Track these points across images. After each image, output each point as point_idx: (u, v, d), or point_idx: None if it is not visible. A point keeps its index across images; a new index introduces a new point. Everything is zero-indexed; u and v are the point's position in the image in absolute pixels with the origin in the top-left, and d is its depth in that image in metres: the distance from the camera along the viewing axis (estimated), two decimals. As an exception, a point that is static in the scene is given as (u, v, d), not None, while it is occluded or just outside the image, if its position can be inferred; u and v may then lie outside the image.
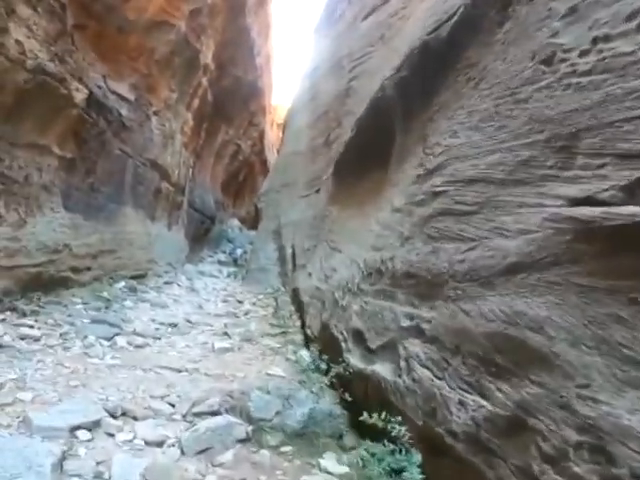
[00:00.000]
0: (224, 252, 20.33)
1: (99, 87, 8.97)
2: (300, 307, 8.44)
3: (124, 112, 10.22)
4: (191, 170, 15.91)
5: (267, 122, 26.81)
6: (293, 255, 11.72)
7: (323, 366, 4.72)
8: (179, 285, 11.42)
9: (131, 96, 10.65)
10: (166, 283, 11.49)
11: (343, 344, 4.37)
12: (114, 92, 9.90)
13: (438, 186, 3.28)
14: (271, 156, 30.45)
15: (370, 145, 6.73)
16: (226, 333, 7.09)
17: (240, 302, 9.99)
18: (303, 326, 7.72)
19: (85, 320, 6.98)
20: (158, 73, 11.77)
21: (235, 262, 18.40)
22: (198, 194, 17.27)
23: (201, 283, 12.43)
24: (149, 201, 12.23)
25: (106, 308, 8.03)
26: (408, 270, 3.32)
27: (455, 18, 3.98)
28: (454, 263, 2.69)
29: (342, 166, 8.59)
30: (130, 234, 10.76)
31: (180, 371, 5.24)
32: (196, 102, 14.32)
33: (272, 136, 29.29)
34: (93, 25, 9.55)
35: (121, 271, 10.36)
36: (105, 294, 8.91)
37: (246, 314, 8.74)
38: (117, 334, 6.46)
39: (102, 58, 9.83)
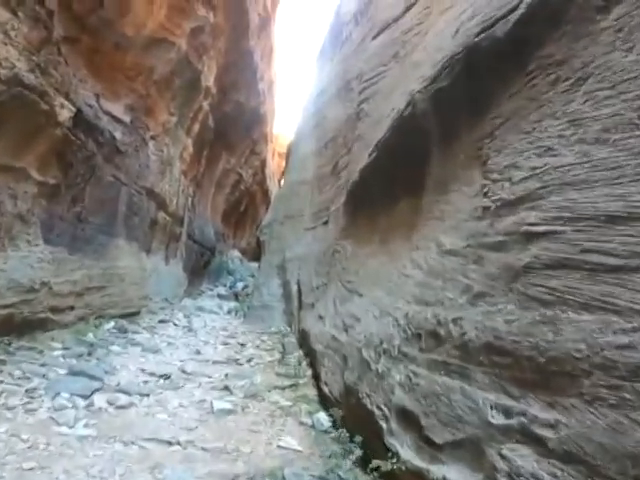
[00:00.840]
0: (224, 285, 19.28)
1: (89, 106, 8.14)
2: (311, 354, 7.37)
3: (118, 135, 9.37)
4: (190, 199, 15.03)
5: (269, 151, 26.17)
6: (299, 292, 10.72)
7: (354, 447, 3.65)
8: (175, 324, 10.33)
9: (126, 118, 9.83)
10: (161, 322, 10.42)
11: (383, 423, 3.31)
12: (107, 113, 9.07)
13: (536, 224, 2.29)
14: (272, 186, 29.77)
15: (394, 171, 5.85)
16: (227, 387, 5.99)
17: (242, 345, 8.90)
18: (316, 379, 6.65)
19: (61, 371, 5.91)
20: (157, 94, 11.00)
21: (236, 297, 17.32)
22: (198, 225, 16.34)
23: (199, 321, 11.34)
24: (144, 233, 11.27)
25: (89, 355, 6.96)
26: (492, 343, 2.31)
27: (520, 11, 3.09)
28: (602, 347, 1.69)
29: (356, 195, 7.73)
30: (122, 269, 9.75)
31: (171, 444, 4.18)
32: (196, 127, 13.56)
33: (273, 166, 28.63)
34: (87, 40, 8.81)
35: (111, 310, 9.31)
36: (90, 337, 7.88)
37: (249, 361, 7.64)
38: (97, 390, 5.40)
39: (96, 75, 9.05)
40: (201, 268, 17.52)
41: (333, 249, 8.62)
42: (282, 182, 15.96)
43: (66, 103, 7.13)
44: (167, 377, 6.29)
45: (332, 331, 6.38)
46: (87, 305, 8.47)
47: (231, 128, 17.41)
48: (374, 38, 10.11)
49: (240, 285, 17.96)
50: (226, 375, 6.59)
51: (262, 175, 24.98)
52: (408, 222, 5.17)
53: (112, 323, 8.90)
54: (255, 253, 30.38)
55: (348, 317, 5.86)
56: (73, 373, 5.86)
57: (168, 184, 12.16)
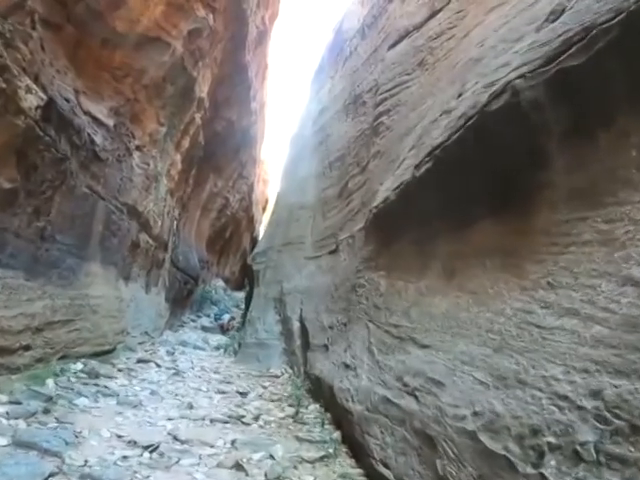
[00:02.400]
0: (208, 316, 17.25)
1: (66, 99, 6.42)
2: (339, 413, 5.62)
3: (98, 139, 7.63)
4: (176, 223, 13.21)
5: (256, 175, 24.62)
6: (304, 330, 8.99)
7: None
8: (158, 365, 8.37)
9: (109, 121, 8.13)
10: (141, 362, 8.44)
11: None
12: (87, 113, 7.36)
13: None
14: (257, 213, 28.11)
15: (465, 184, 4.34)
16: (239, 464, 4.18)
17: (242, 394, 7.03)
18: (352, 446, 4.91)
19: (1, 441, 4.05)
20: (145, 100, 9.37)
21: (222, 329, 15.35)
22: (182, 251, 14.46)
23: (186, 361, 9.39)
24: (123, 257, 9.39)
25: (45, 412, 5.06)
26: None
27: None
28: None
29: (388, 219, 6.21)
30: (95, 299, 7.83)
31: None
32: (186, 142, 11.90)
33: (258, 192, 27.04)
34: (71, 30, 7.26)
35: (79, 348, 7.34)
36: (50, 385, 5.95)
37: (257, 418, 5.81)
38: (52, 476, 3.58)
39: (78, 71, 7.44)
40: (184, 298, 15.51)
41: (354, 283, 7.05)
42: (275, 206, 14.29)
43: (34, 87, 5.43)
44: (154, 448, 4.43)
45: (379, 390, 4.68)
46: (48, 343, 6.52)
47: (220, 148, 15.81)
48: (391, 48, 8.95)
49: (226, 317, 16.00)
50: (233, 443, 4.77)
51: (249, 201, 23.30)
52: (501, 248, 3.69)
53: (80, 365, 6.96)
54: (238, 282, 28.38)
55: (410, 375, 4.18)
56: (19, 445, 4.05)
57: (153, 203, 10.37)
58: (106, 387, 6.35)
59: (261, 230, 30.87)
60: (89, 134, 7.31)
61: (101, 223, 8.20)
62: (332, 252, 9.27)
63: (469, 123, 4.13)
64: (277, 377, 8.63)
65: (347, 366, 6.00)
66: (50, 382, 6.02)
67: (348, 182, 9.54)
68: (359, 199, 8.63)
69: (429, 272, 4.87)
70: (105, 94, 8.33)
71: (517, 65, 3.63)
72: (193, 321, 16.21)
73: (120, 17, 8.02)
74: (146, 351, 9.79)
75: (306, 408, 6.50)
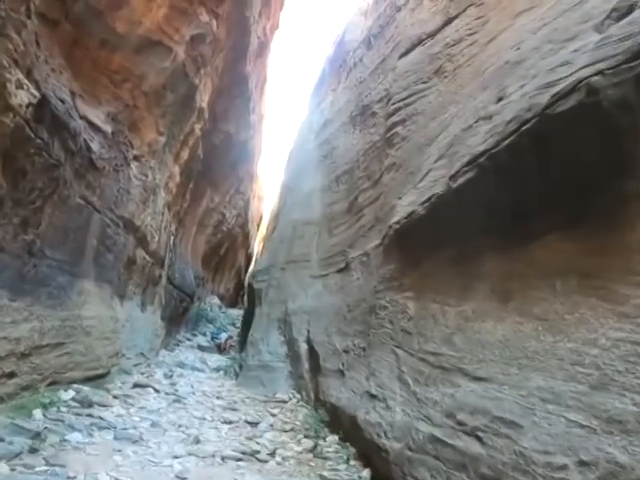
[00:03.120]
0: (204, 334, 16.36)
1: (61, 100, 5.74)
2: (370, 450, 4.90)
3: (94, 146, 6.95)
4: (172, 238, 12.46)
5: (252, 191, 23.94)
6: (313, 354, 8.28)
7: None
8: (156, 390, 7.57)
9: (107, 128, 7.46)
10: (137, 386, 7.63)
11: None
12: (84, 117, 6.70)
13: None
14: (253, 230, 27.39)
15: (519, 195, 3.88)
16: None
17: (253, 424, 6.28)
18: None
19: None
20: (145, 107, 8.72)
21: (219, 349, 14.49)
22: (178, 268, 13.68)
23: (185, 384, 8.58)
24: (119, 274, 8.62)
25: (32, 452, 4.35)
26: None
27: None
28: None
29: (414, 235, 5.65)
30: (88, 319, 7.05)
31: None
32: (185, 153, 11.23)
33: (253, 208, 26.34)
34: (68, 28, 6.65)
35: (70, 373, 6.56)
36: (37, 417, 5.22)
37: (273, 454, 5.08)
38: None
39: (74, 72, 6.79)
40: (179, 316, 14.67)
41: (373, 304, 6.41)
42: (275, 222, 13.60)
43: (26, 82, 4.78)
44: (159, 499, 3.71)
45: (423, 427, 4.02)
46: (35, 369, 5.74)
47: (218, 162, 15.15)
48: (402, 56, 8.52)
49: (224, 336, 15.14)
50: (251, 490, 4.05)
51: (245, 217, 22.57)
52: (576, 269, 3.19)
53: (71, 393, 6.16)
54: (233, 299, 27.48)
55: (466, 412, 3.55)
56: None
57: (150, 216, 9.65)
58: (101, 418, 5.57)
59: (256, 247, 30.11)
60: (85, 140, 6.63)
61: (96, 237, 7.46)
62: (341, 270, 8.62)
63: (524, 128, 3.61)
64: (284, 402, 7.87)
65: (373, 396, 5.31)
66: (38, 413, 5.28)
67: (358, 197, 8.95)
68: (372, 214, 8.04)
69: (474, 294, 4.26)
70: (102, 98, 7.67)
71: (588, 62, 3.13)
72: (189, 340, 15.32)
73: (121, 17, 7.41)
74: (142, 374, 8.97)
75: (324, 440, 5.78)
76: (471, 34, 6.64)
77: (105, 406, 6.06)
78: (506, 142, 3.85)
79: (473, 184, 4.35)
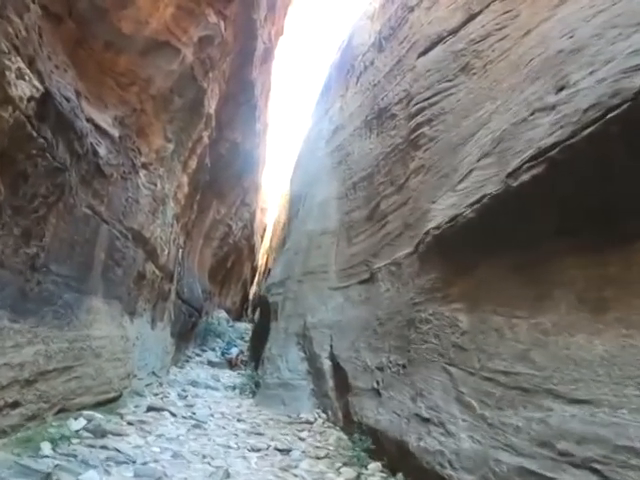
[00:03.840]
0: (213, 350, 15.60)
1: (66, 99, 5.09)
2: (424, 478, 4.18)
3: (102, 151, 6.31)
4: (181, 251, 11.77)
5: (257, 202, 23.30)
6: (337, 370, 7.58)
7: None
8: (172, 413, 6.83)
9: (114, 132, 6.81)
10: (152, 409, 6.88)
11: None
12: (90, 120, 6.05)
13: None
14: (257, 242, 26.73)
15: (608, 190, 3.35)
16: None
17: (283, 451, 5.54)
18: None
19: None
20: (152, 112, 8.10)
21: (230, 364, 13.73)
22: (187, 282, 12.97)
23: (202, 406, 7.83)
24: (129, 290, 7.92)
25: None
26: None
27: None
28: None
29: (464, 241, 5.09)
30: (98, 340, 6.34)
31: None
32: (194, 162, 10.60)
33: (257, 220, 25.68)
34: (72, 27, 6.08)
35: (80, 398, 5.84)
36: (45, 451, 4.53)
37: (315, 489, 4.36)
38: None
39: (79, 72, 6.17)
40: (188, 331, 13.92)
41: (411, 318, 5.78)
42: (287, 233, 12.92)
43: (28, 73, 4.14)
44: None
45: (506, 458, 3.39)
46: (41, 397, 5.03)
47: (224, 172, 14.53)
48: (421, 56, 8.02)
49: (235, 351, 14.38)
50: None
51: (250, 229, 21.90)
52: None
53: (82, 421, 5.43)
54: (239, 313, 26.70)
55: (569, 441, 2.95)
56: None
57: (160, 228, 8.97)
58: (118, 450, 4.83)
59: (260, 259, 29.42)
60: (91, 144, 5.98)
61: (104, 251, 6.77)
62: (365, 281, 7.96)
63: (611, 115, 3.01)
64: (310, 424, 7.15)
65: (425, 419, 4.61)
66: (46, 447, 4.59)
67: (380, 203, 8.32)
68: (399, 221, 7.42)
69: (552, 304, 3.62)
70: (109, 102, 7.05)
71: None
72: (198, 355, 14.55)
73: (127, 17, 6.81)
74: (155, 395, 8.23)
75: (366, 468, 5.07)
76: (500, 29, 6.24)
77: (120, 435, 5.32)
78: (587, 131, 3.27)
79: (541, 181, 3.73)
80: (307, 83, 68.25)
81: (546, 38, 4.85)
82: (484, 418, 3.76)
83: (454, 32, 7.21)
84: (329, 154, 11.51)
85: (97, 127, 6.40)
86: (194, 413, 7.10)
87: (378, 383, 6.12)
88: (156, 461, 4.75)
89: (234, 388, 10.00)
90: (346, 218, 9.44)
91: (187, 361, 13.30)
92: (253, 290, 29.35)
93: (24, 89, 4.03)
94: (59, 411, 5.40)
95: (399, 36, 9.81)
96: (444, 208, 5.77)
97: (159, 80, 7.99)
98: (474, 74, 6.30)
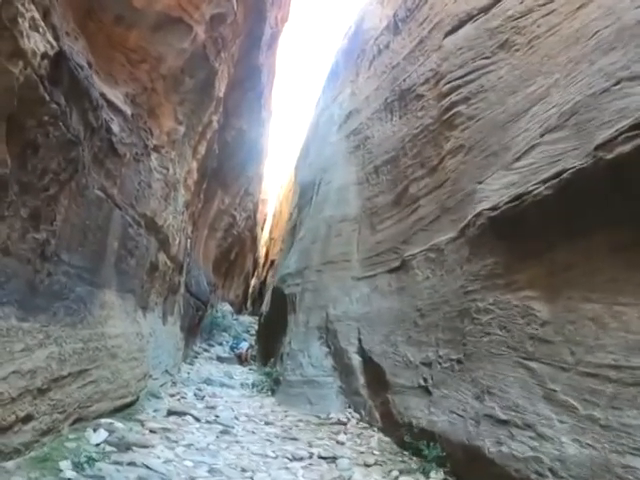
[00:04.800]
0: (220, 344, 14.83)
1: (80, 67, 4.27)
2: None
3: (115, 128, 5.49)
4: (189, 242, 10.95)
5: (261, 193, 22.42)
6: (370, 366, 6.89)
7: None
8: (195, 418, 6.07)
9: (127, 109, 6.00)
10: (173, 414, 6.11)
11: None
12: (102, 95, 5.23)
13: None
14: (259, 234, 25.91)
15: None
16: None
17: (328, 460, 4.83)
18: None
19: None
20: (163, 92, 7.30)
21: (239, 360, 12.98)
22: (194, 274, 12.16)
23: (224, 407, 7.09)
24: (142, 282, 7.12)
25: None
26: None
27: None
28: None
29: (533, 221, 4.43)
30: (113, 339, 5.56)
31: None
32: (203, 148, 9.77)
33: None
34: None
35: (96, 405, 5.07)
36: (67, 474, 3.77)
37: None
38: None
39: (89, 42, 5.36)
40: (196, 325, 13.12)
41: (464, 308, 5.12)
42: (302, 221, 12.14)
43: (43, 27, 3.37)
44: None
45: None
46: (56, 406, 4.26)
47: (229, 161, 13.70)
48: (449, 34, 7.55)
49: (244, 346, 13.63)
50: None
51: (254, 220, 21.06)
52: None
53: (103, 433, 4.65)
54: (241, 306, 25.89)
55: None
56: None
57: (172, 216, 8.16)
58: (147, 467, 4.07)
59: (262, 251, 28.56)
60: (104, 118, 5.16)
61: (116, 239, 5.97)
62: (394, 270, 7.26)
63: None
64: (343, 424, 6.45)
65: (502, 421, 3.92)
66: (67, 467, 3.83)
67: (408, 187, 7.62)
68: (433, 205, 6.75)
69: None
70: (119, 78, 6.24)
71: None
72: (206, 351, 13.76)
73: (139, -9, 6.01)
74: (172, 396, 7.45)
75: (427, 476, 4.36)
76: (544, 4, 5.64)
77: (146, 447, 4.56)
78: None
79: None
80: (308, 72, 66.74)
81: (614, 9, 4.37)
82: (593, 419, 3.10)
83: (486, 10, 6.72)
84: (343, 139, 10.75)
85: (109, 103, 5.59)
86: (217, 416, 6.35)
87: (426, 380, 5.43)
88: (186, 472, 4.02)
89: (251, 386, 9.25)
90: (368, 204, 8.71)
91: (195, 357, 12.52)
92: (253, 283, 28.57)
93: (38, 43, 3.23)
94: (75, 421, 4.63)
95: (418, 17, 9.22)
96: (499, 188, 5.12)
97: (170, 58, 7.20)
98: (517, 50, 5.81)
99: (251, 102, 13.16)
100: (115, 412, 5.51)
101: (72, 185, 4.47)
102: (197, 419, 6.02)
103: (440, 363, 5.27)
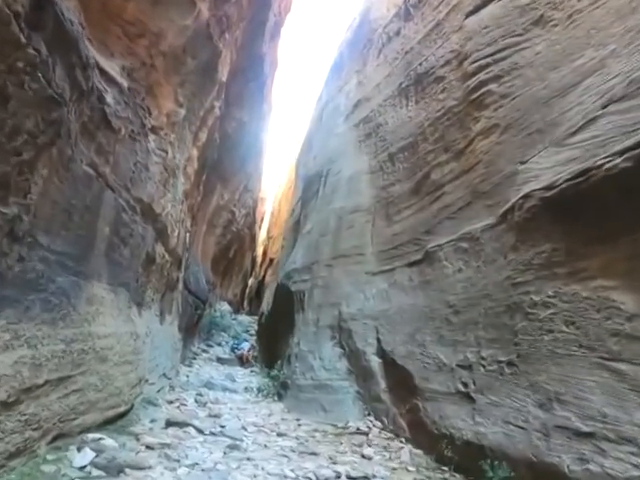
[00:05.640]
0: (219, 345, 13.88)
1: (69, 19, 3.39)
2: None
3: (109, 99, 4.63)
4: (189, 236, 10.03)
5: (260, 189, 21.50)
6: (391, 368, 6.05)
7: None
8: (198, 429, 5.18)
9: (123, 81, 5.14)
10: (172, 425, 5.19)
11: None
12: (96, 65, 4.37)
13: None
14: (258, 232, 24.99)
15: None
16: None
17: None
18: None
19: None
20: (163, 71, 6.47)
21: (241, 361, 12.06)
22: (192, 271, 11.23)
23: (229, 415, 6.19)
24: (137, 275, 6.20)
25: None
26: None
27: None
28: None
29: (611, 198, 3.76)
30: (103, 339, 4.65)
31: None
32: (204, 135, 8.89)
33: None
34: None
35: (82, 418, 4.18)
36: None
37: None
38: None
39: (83, 9, 4.49)
40: (194, 325, 12.17)
41: (513, 302, 4.36)
42: (307, 213, 11.28)
43: None
44: None
45: None
46: (29, 421, 3.37)
47: (229, 154, 12.80)
48: (470, 15, 6.91)
49: (246, 346, 12.71)
50: None
51: (253, 217, 20.13)
52: None
53: (89, 453, 3.77)
54: (239, 305, 24.90)
55: None
56: None
57: (171, 204, 7.26)
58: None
59: (260, 249, 27.56)
60: (96, 85, 4.29)
61: (108, 224, 5.07)
62: (416, 263, 6.45)
63: None
64: (364, 434, 5.59)
65: (585, 434, 3.10)
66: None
67: (430, 173, 6.84)
68: (462, 190, 6.02)
69: None
70: (115, 50, 5.40)
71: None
72: (205, 352, 12.81)
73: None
74: (170, 403, 6.54)
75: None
76: None
77: (142, 468, 3.67)
78: None
79: None
80: (307, 70, 65.53)
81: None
82: None
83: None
84: (352, 128, 9.94)
85: (102, 72, 4.73)
86: (223, 426, 5.46)
87: (466, 385, 4.60)
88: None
89: (256, 390, 8.34)
90: (383, 193, 7.88)
91: (194, 358, 11.57)
92: (250, 282, 27.57)
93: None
94: (55, 438, 3.75)
95: (432, 1, 8.71)
96: (552, 165, 4.39)
97: (171, 35, 6.38)
98: (554, 26, 5.27)
99: (253, 93, 12.30)
100: (105, 424, 4.62)
101: (54, 153, 3.59)
102: (200, 431, 5.12)
103: (483, 365, 4.44)
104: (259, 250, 27.45)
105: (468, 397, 4.51)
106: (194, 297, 11.41)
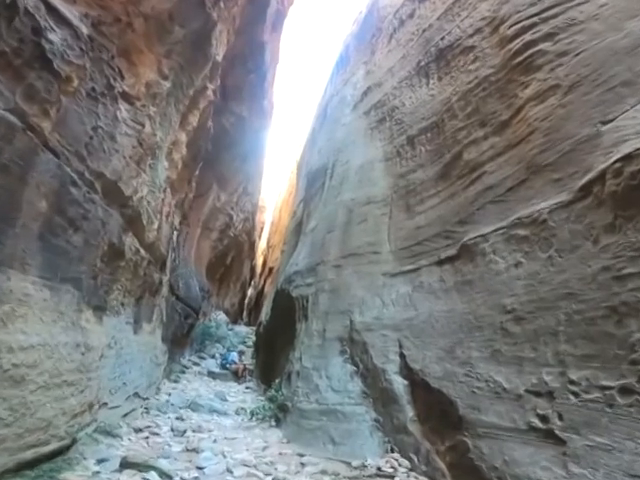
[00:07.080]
0: (213, 357, 12.24)
1: None
2: None
3: (54, 38, 3.22)
4: (176, 234, 8.54)
5: (260, 193, 19.99)
6: (420, 391, 4.46)
7: None
8: (164, 474, 3.58)
9: (81, 27, 3.74)
10: (127, 466, 3.64)
11: None
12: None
13: None
14: (257, 240, 23.47)
15: None
16: None
17: None
18: None
19: None
20: (144, 37, 5.17)
21: (236, 376, 10.43)
22: (182, 274, 9.70)
23: (212, 451, 4.53)
24: (93, 270, 4.69)
25: None
26: None
27: None
28: None
29: None
30: (18, 352, 3.12)
31: None
32: (194, 119, 7.46)
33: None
34: None
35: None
36: None
37: None
38: None
39: None
40: (184, 335, 10.57)
41: (622, 301, 2.76)
42: (310, 209, 9.81)
43: None
44: None
45: None
46: None
47: (227, 152, 11.40)
48: None
49: (233, 357, 11.06)
50: None
51: (252, 223, 18.61)
52: None
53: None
54: (237, 315, 23.26)
55: None
56: None
57: (148, 188, 5.79)
58: None
59: (259, 259, 26.01)
60: (33, 16, 2.86)
61: (45, 197, 3.60)
62: (449, 260, 4.96)
63: None
64: (390, 478, 4.01)
65: None
66: None
67: (462, 153, 5.42)
68: (511, 166, 4.70)
69: None
70: (78, -2, 3.99)
71: None
72: (196, 364, 11.17)
73: None
74: (138, 432, 4.96)
75: None
76: None
77: None
78: None
79: None
80: (307, 75, 64.06)
81: None
82: None
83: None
84: (362, 116, 8.57)
85: (50, 8, 3.31)
86: (201, 469, 3.90)
87: (546, 419, 3.07)
88: None
89: (249, 413, 6.70)
90: (401, 182, 6.43)
91: (183, 372, 9.96)
92: (249, 293, 25.94)
93: None
94: None
95: None
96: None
97: (155, -1, 5.00)
98: None
99: (253, 86, 10.95)
100: (25, 468, 3.06)
101: None
102: (168, 477, 3.54)
103: (576, 393, 2.92)
104: (259, 260, 25.90)
105: (551, 436, 2.98)
106: (184, 304, 9.85)
